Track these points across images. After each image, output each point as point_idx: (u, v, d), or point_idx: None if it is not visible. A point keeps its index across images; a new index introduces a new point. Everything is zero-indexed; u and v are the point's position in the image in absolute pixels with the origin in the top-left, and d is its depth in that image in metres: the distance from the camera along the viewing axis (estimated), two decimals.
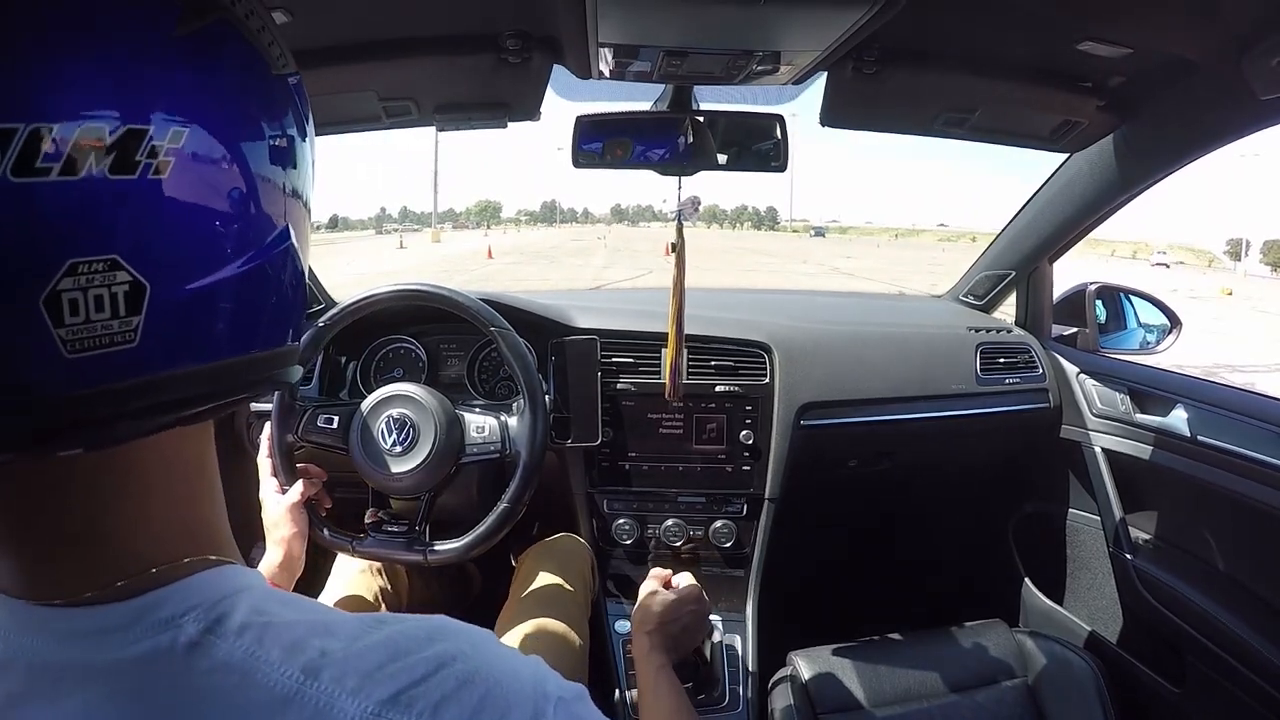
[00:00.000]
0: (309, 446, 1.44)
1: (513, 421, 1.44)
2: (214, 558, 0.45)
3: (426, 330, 1.76)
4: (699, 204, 1.49)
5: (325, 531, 1.40)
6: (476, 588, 1.90)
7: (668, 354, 1.51)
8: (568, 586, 1.56)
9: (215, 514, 0.49)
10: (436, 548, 1.40)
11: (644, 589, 1.34)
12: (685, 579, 1.36)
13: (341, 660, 0.42)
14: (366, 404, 1.42)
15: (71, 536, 0.41)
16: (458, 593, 1.85)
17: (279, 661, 0.40)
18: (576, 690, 0.50)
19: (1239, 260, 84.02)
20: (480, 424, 1.44)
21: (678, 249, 1.44)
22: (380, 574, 1.58)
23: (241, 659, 0.40)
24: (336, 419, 1.42)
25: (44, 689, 0.39)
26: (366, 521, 1.44)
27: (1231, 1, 1.04)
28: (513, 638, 1.37)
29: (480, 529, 1.39)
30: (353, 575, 1.55)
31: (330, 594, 1.52)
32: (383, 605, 1.54)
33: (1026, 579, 2.12)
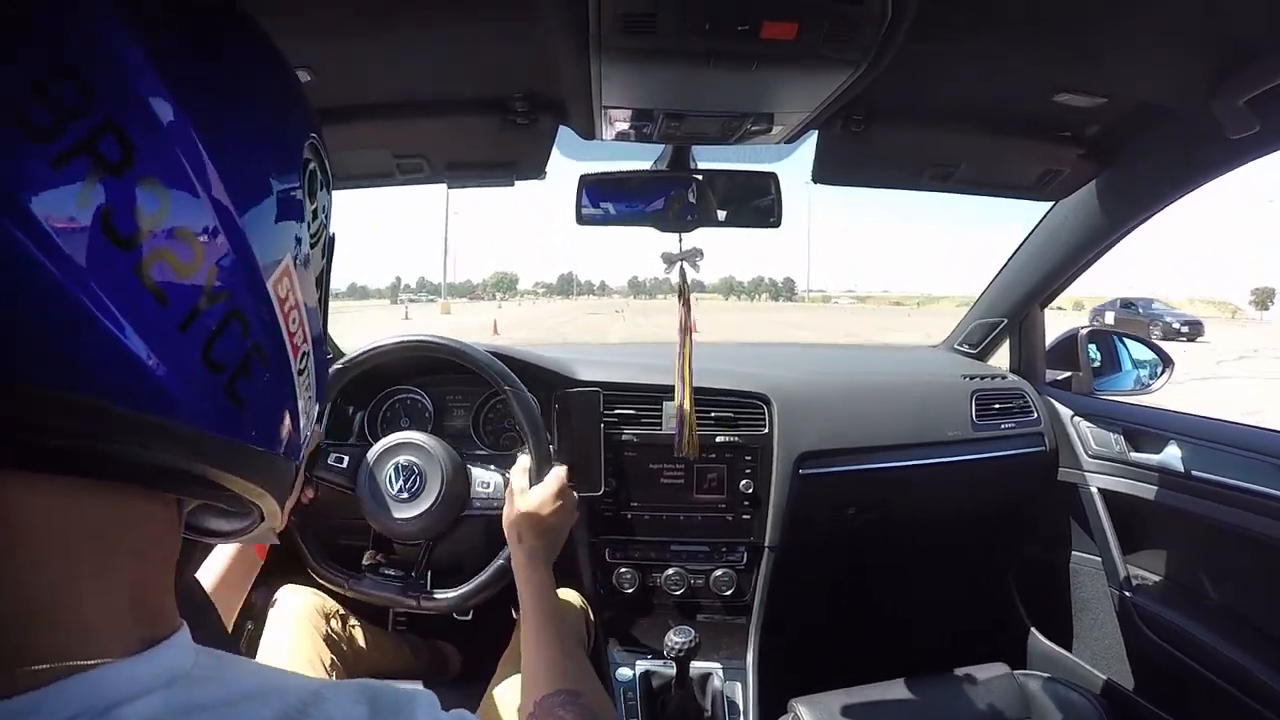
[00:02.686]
0: (316, 483, 1.46)
1: None
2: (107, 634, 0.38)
3: (432, 381, 1.79)
4: (701, 254, 1.54)
5: (322, 566, 1.43)
6: (454, 668, 1.88)
7: (676, 405, 1.56)
8: None
9: (144, 580, 0.41)
10: (435, 595, 1.42)
11: (515, 481, 1.36)
12: (552, 474, 1.37)
13: None
14: (375, 449, 1.45)
15: None
16: (434, 669, 1.83)
17: None
18: None
19: (1266, 310, 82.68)
20: (486, 479, 1.47)
21: (682, 292, 1.49)
22: (333, 646, 1.49)
23: None
24: (347, 459, 1.45)
25: None
26: (365, 563, 1.46)
27: (1198, 47, 1.09)
28: (512, 690, 1.32)
29: (478, 580, 1.41)
30: (303, 640, 1.44)
31: (274, 652, 1.40)
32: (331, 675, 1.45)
33: (1028, 622, 2.12)
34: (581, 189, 1.37)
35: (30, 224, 0.33)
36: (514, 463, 1.43)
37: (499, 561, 1.40)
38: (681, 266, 1.45)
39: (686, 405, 1.54)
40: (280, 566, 1.46)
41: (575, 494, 1.38)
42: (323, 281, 0.52)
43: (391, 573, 1.45)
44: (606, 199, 1.40)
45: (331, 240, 0.53)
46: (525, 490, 1.33)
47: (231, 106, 0.43)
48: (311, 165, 0.48)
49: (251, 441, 0.43)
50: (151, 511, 0.42)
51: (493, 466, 1.49)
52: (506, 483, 1.42)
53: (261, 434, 0.44)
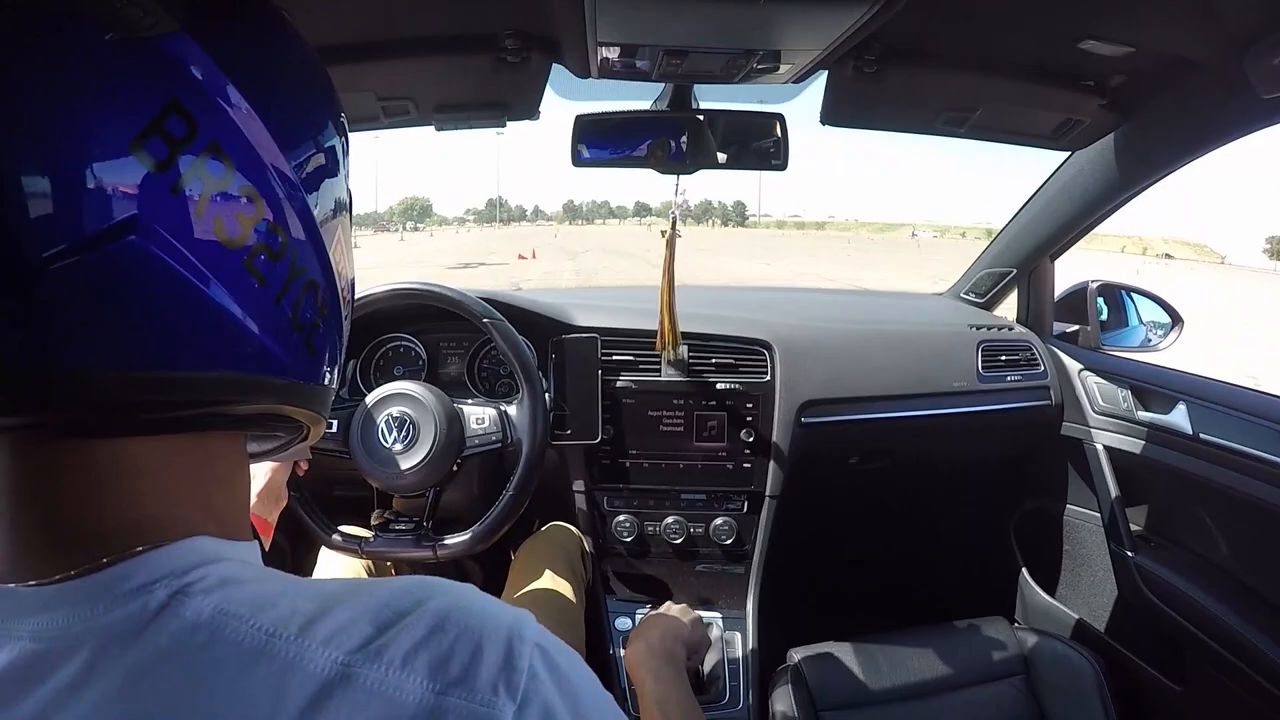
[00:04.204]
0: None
1: (512, 410, 1.45)
2: (197, 535, 0.46)
3: (426, 329, 1.76)
4: (686, 199, 1.53)
5: (335, 537, 1.42)
6: (478, 584, 1.91)
7: (661, 310, 1.58)
8: (561, 580, 1.57)
9: (224, 502, 0.50)
10: (446, 542, 1.41)
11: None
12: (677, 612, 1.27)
13: (314, 615, 0.42)
14: (363, 406, 1.42)
15: (61, 522, 0.43)
16: None
17: (248, 617, 0.41)
18: (562, 646, 0.48)
19: None
20: (479, 415, 1.45)
21: (669, 237, 1.51)
22: (369, 572, 1.58)
23: (210, 617, 0.40)
24: (335, 423, 1.43)
25: (24, 674, 0.39)
26: (373, 523, 1.45)
27: (1232, 0, 1.04)
28: None
29: (487, 520, 1.40)
30: (339, 571, 1.54)
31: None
32: None
33: (1027, 575, 2.12)
34: (577, 130, 1.32)
35: (164, 242, 0.41)
36: (508, 402, 1.45)
37: (508, 495, 1.39)
38: (674, 217, 1.47)
39: (666, 299, 1.57)
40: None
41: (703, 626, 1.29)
42: (351, 211, 0.60)
43: (401, 527, 1.45)
44: (603, 140, 1.35)
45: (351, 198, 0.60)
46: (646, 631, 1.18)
47: (297, 111, 0.51)
48: (345, 138, 0.56)
49: (322, 381, 0.54)
50: (230, 446, 0.51)
51: (485, 403, 1.47)
52: (500, 408, 1.44)
53: (328, 373, 0.55)
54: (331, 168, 0.54)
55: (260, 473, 1.24)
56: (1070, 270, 2.09)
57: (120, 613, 0.40)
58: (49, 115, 0.38)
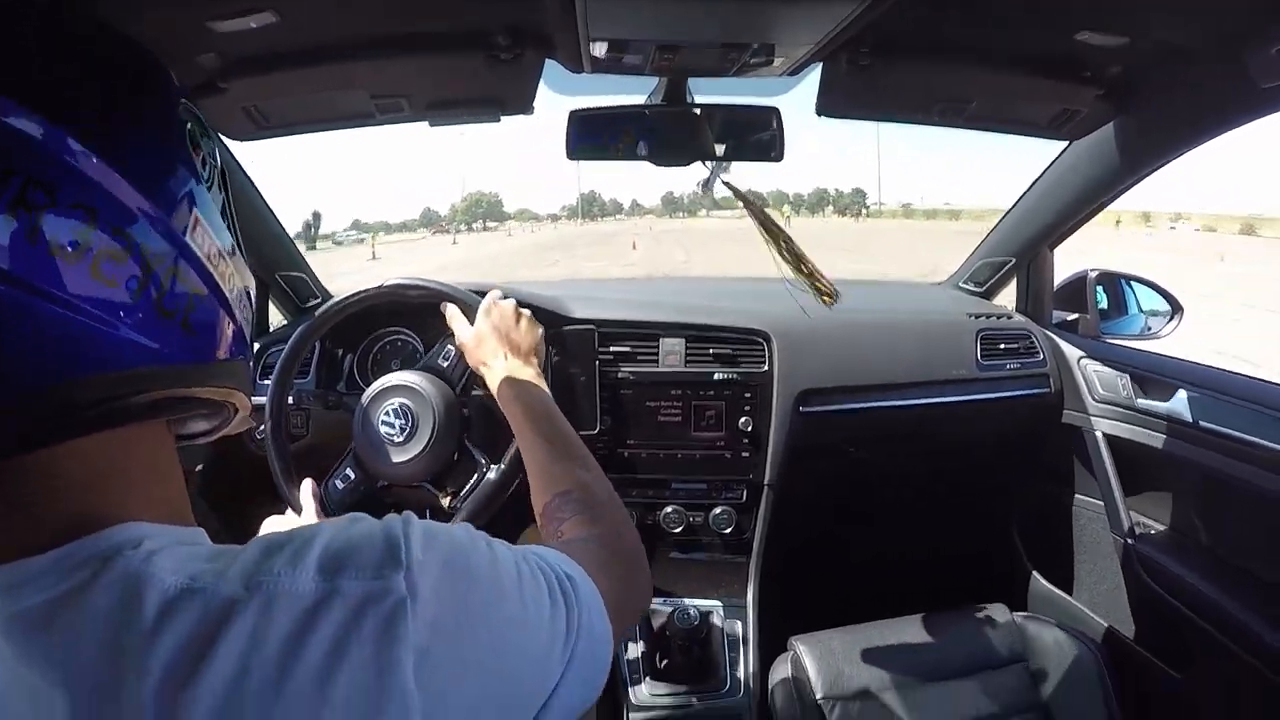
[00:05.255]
0: (312, 439, 1.45)
1: None
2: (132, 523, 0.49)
3: (422, 323, 1.77)
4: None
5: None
6: None
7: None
8: None
9: (159, 490, 0.53)
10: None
11: (456, 323, 1.39)
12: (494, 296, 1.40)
13: (226, 567, 0.46)
14: (367, 395, 1.43)
15: (18, 507, 0.46)
16: None
17: (168, 575, 0.45)
18: (434, 523, 0.54)
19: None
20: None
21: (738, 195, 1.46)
22: None
23: (134, 573, 0.44)
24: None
25: None
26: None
27: None
28: None
29: (472, 502, 1.40)
30: None
31: None
32: None
33: (1029, 564, 2.13)
34: (571, 125, 1.32)
35: (39, 291, 0.43)
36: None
37: (489, 475, 1.40)
38: (730, 186, 1.45)
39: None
40: None
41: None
42: (228, 210, 0.60)
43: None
44: (597, 135, 1.34)
45: (224, 173, 0.60)
46: (476, 319, 1.35)
47: (123, 130, 0.50)
48: (188, 125, 0.56)
49: (213, 358, 0.54)
50: (150, 435, 0.53)
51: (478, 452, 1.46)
52: (484, 463, 1.43)
53: (218, 348, 0.55)
54: (173, 156, 0.54)
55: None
56: (1069, 257, 2.07)
57: (63, 588, 0.44)
58: None
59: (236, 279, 0.58)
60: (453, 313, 1.40)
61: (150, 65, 0.56)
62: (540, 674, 0.54)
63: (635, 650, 1.62)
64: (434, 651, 0.46)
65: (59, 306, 0.43)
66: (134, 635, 0.42)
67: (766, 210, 1.47)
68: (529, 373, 1.24)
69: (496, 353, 1.27)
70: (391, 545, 0.48)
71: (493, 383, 1.24)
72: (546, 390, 1.22)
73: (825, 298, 1.50)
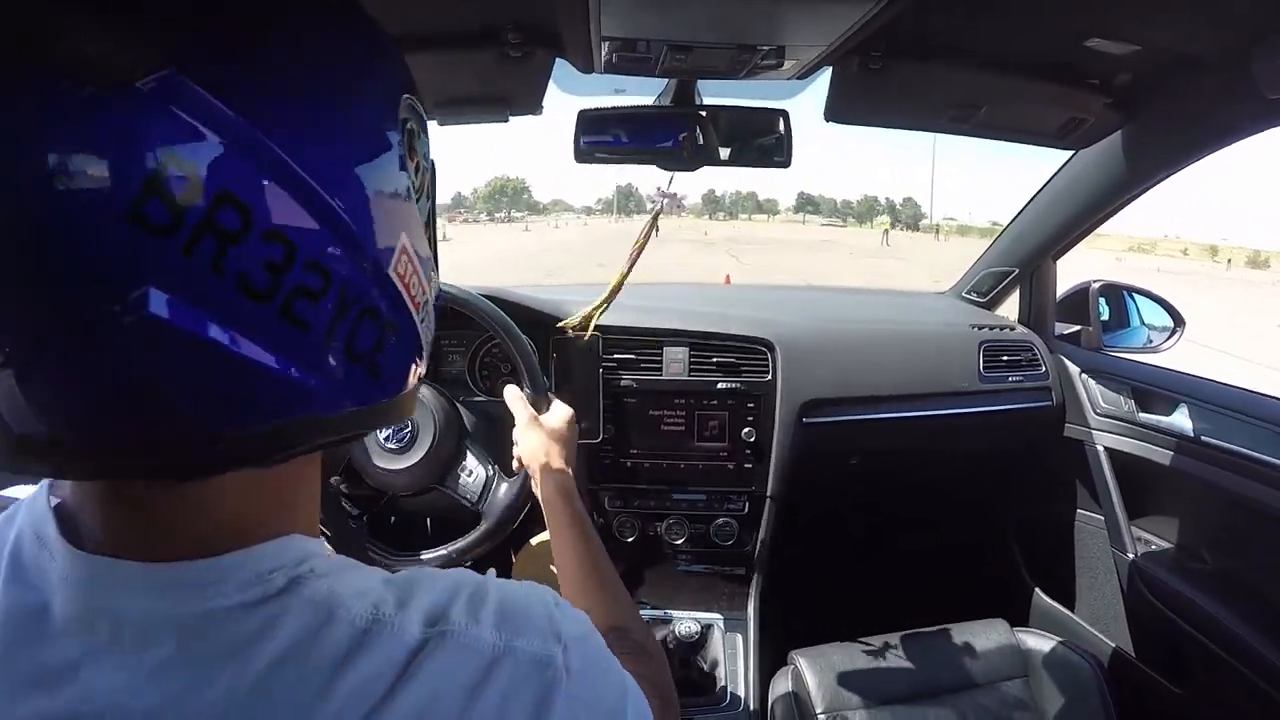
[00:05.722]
0: None
1: None
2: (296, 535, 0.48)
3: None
4: (681, 200, 1.50)
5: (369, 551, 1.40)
6: None
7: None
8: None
9: (305, 502, 0.52)
10: (423, 555, 1.39)
11: (517, 411, 1.32)
12: (557, 407, 1.35)
13: (402, 599, 0.47)
14: None
15: (183, 511, 0.44)
16: None
17: (354, 600, 0.45)
18: (585, 625, 0.55)
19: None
20: (471, 469, 1.43)
21: (646, 231, 1.48)
22: None
23: (325, 598, 0.44)
24: None
25: (127, 642, 0.41)
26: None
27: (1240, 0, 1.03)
28: None
29: (462, 544, 1.38)
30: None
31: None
32: None
33: (1028, 577, 2.12)
34: (580, 125, 1.31)
35: (181, 310, 0.38)
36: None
37: (503, 487, 1.39)
38: (658, 209, 1.47)
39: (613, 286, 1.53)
40: None
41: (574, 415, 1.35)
42: (431, 221, 0.55)
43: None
44: (606, 136, 1.34)
45: (433, 175, 0.55)
46: (535, 417, 1.29)
47: (321, 135, 0.43)
48: (409, 124, 0.50)
49: (389, 395, 0.50)
50: (304, 466, 0.51)
51: (486, 459, 1.44)
52: (492, 474, 1.41)
53: (397, 385, 0.51)
54: (387, 172, 0.47)
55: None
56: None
57: (239, 598, 0.42)
58: (45, 192, 0.35)
59: (429, 301, 0.54)
60: (513, 395, 1.33)
61: (381, 48, 0.50)
62: None
63: None
64: None
65: (242, 350, 0.40)
66: (324, 661, 0.42)
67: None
68: (572, 484, 1.19)
69: (556, 461, 1.23)
70: (551, 617, 0.50)
71: (543, 489, 1.19)
72: (583, 509, 1.17)
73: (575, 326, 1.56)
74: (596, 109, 1.32)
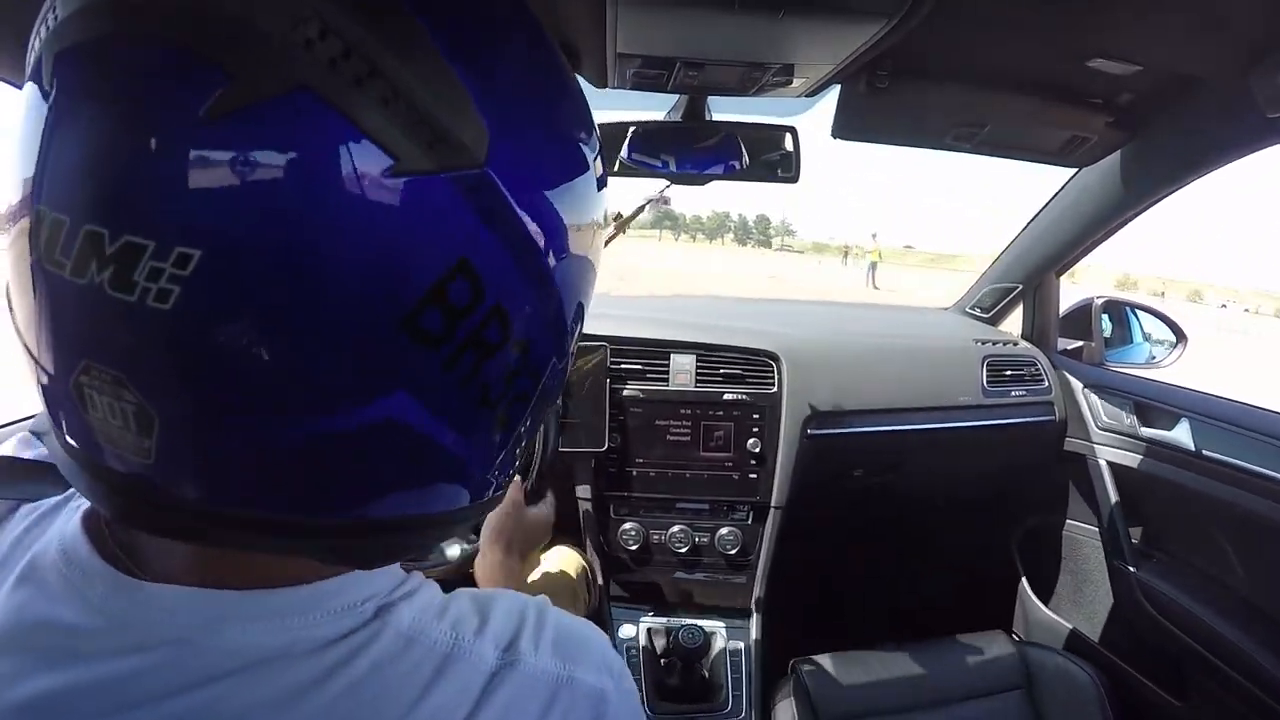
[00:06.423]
0: None
1: None
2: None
3: None
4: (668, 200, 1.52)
5: None
6: None
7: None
8: (562, 600, 1.55)
9: None
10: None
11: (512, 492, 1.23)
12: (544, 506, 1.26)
13: (479, 622, 0.46)
14: None
15: (249, 562, 0.42)
16: None
17: (435, 624, 0.44)
18: (622, 661, 0.54)
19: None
20: None
21: (621, 220, 1.54)
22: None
23: (409, 625, 0.43)
24: None
25: (211, 672, 0.39)
26: None
27: (1240, 19, 1.05)
28: None
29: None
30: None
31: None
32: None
33: (1029, 589, 2.13)
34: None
35: (424, 416, 0.38)
36: None
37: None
38: (647, 204, 1.54)
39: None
40: None
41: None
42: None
43: None
44: (615, 150, 1.36)
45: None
46: (521, 503, 1.21)
47: (569, 231, 0.42)
48: (595, 158, 0.48)
49: (501, 489, 0.51)
50: None
51: None
52: None
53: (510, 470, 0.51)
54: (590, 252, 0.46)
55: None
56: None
57: (333, 626, 0.41)
58: (316, 276, 0.32)
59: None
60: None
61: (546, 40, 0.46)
62: None
63: (639, 669, 1.61)
64: None
65: (452, 449, 0.40)
66: (405, 686, 0.41)
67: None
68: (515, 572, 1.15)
69: (517, 545, 1.15)
70: (605, 650, 0.51)
71: (492, 561, 1.13)
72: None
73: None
74: (607, 123, 1.35)
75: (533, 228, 0.38)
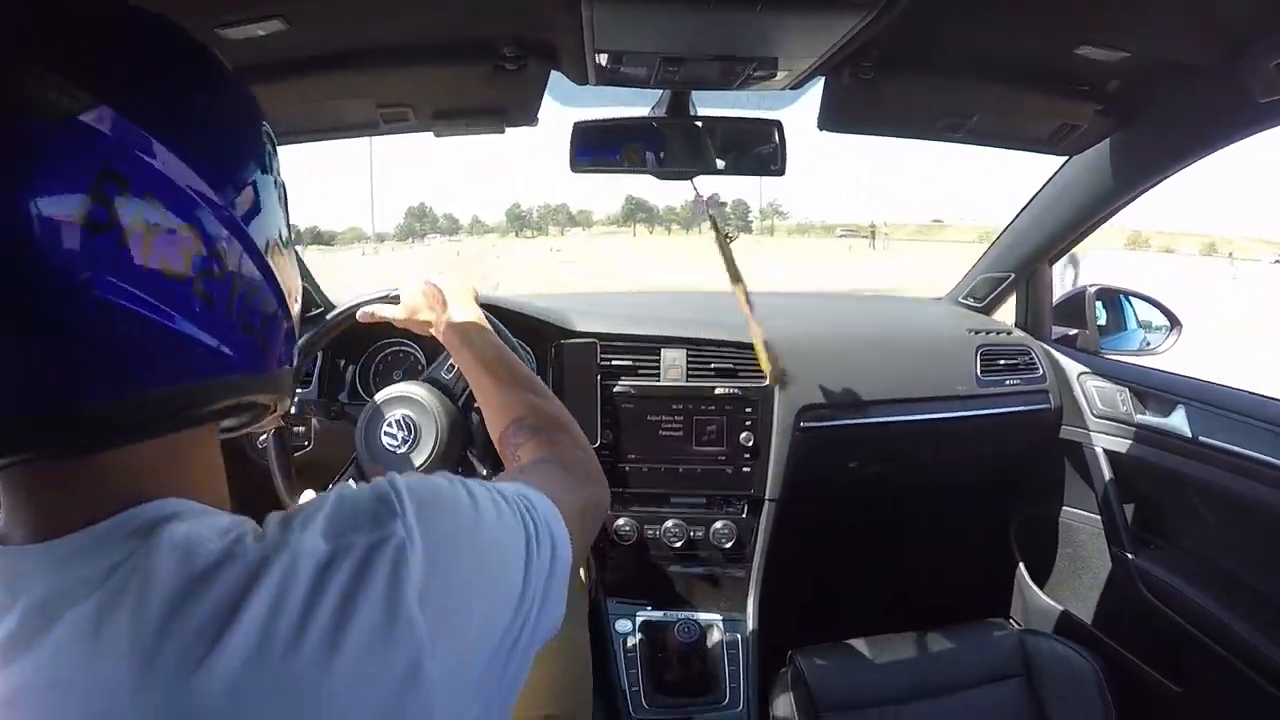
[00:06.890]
0: (315, 450, 1.44)
1: None
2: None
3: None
4: (718, 199, 1.50)
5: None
6: None
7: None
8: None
9: (201, 480, 0.57)
10: None
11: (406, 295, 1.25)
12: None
13: (259, 529, 0.52)
14: (370, 407, 1.42)
15: (76, 490, 0.50)
16: None
17: (212, 537, 0.49)
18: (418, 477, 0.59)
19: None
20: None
21: (720, 238, 1.47)
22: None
23: (183, 538, 0.48)
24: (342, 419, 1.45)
25: (36, 622, 0.46)
26: None
27: (1228, 4, 1.04)
28: None
29: None
30: None
31: None
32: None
33: (1027, 577, 2.12)
34: (575, 137, 1.33)
35: (120, 290, 0.46)
36: None
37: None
38: (711, 217, 1.45)
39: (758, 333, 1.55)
40: None
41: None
42: (289, 226, 0.64)
43: None
44: (601, 147, 1.35)
45: (285, 193, 0.64)
46: (402, 295, 1.25)
47: (213, 139, 0.54)
48: (268, 147, 0.60)
49: (276, 367, 0.59)
50: (200, 436, 0.57)
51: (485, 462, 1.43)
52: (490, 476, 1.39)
53: (280, 359, 0.60)
54: (261, 194, 0.57)
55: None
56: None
57: (123, 551, 0.47)
58: (9, 202, 0.42)
59: (291, 276, 0.63)
60: (374, 308, 1.30)
61: (212, 55, 0.58)
62: (515, 575, 0.59)
63: (636, 663, 1.61)
64: (431, 579, 0.51)
65: (136, 306, 0.46)
66: (188, 595, 0.46)
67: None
68: (468, 313, 1.19)
69: (432, 308, 1.21)
70: (385, 499, 0.54)
71: (440, 334, 1.20)
72: (487, 325, 1.20)
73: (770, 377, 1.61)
74: (592, 120, 1.34)
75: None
